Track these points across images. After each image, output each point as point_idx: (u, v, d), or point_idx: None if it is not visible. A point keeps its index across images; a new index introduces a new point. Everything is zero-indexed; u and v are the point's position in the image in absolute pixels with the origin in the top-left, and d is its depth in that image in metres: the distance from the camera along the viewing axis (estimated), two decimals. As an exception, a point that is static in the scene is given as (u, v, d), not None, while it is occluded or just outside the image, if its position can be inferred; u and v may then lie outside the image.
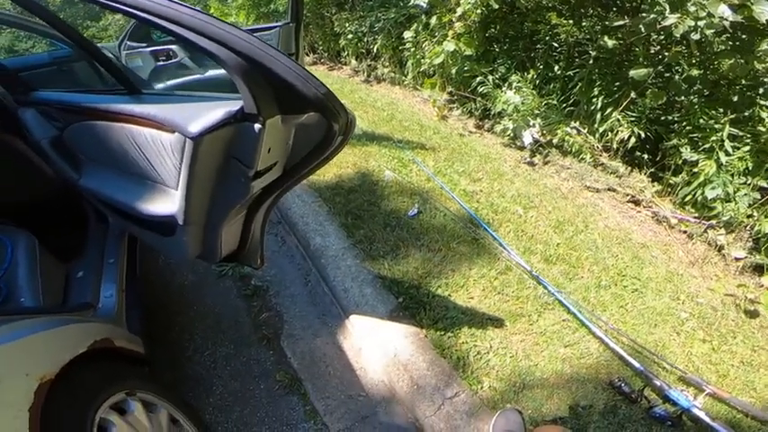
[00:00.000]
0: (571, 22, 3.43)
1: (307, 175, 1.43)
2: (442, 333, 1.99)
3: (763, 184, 2.56)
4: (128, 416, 1.20)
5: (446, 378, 1.86)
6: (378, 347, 2.01)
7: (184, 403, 1.58)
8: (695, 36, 2.46)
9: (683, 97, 2.95)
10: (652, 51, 3.20)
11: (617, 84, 3.16)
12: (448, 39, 3.85)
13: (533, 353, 1.94)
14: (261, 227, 1.68)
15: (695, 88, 2.86)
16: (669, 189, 2.97)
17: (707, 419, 1.68)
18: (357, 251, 2.34)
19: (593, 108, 3.25)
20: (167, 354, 1.95)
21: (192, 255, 1.53)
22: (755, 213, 2.58)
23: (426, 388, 1.83)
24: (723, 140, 2.60)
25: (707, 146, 2.67)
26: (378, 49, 5.18)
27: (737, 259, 2.58)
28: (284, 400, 1.85)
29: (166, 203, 1.35)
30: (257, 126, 1.11)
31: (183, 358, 1.97)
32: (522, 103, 3.43)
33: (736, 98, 2.66)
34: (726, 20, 2.33)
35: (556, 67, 3.55)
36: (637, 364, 1.86)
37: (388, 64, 5.24)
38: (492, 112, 3.64)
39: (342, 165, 2.97)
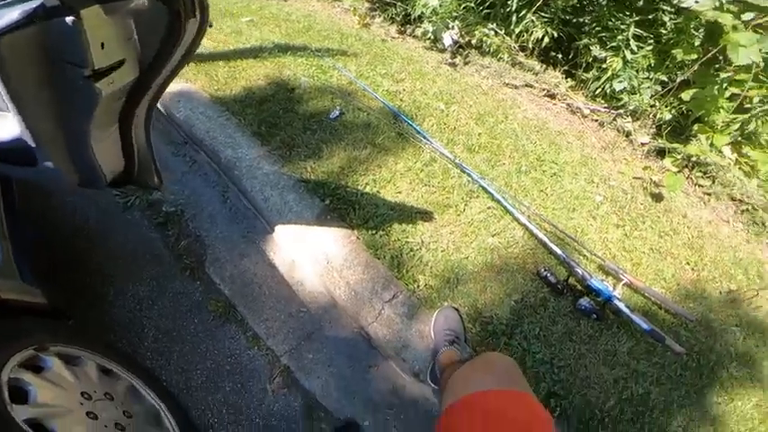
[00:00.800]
0: None
1: (174, 74, 1.28)
2: (374, 232, 1.94)
3: (663, 78, 2.80)
4: (45, 373, 1.10)
5: (383, 280, 1.83)
6: (310, 257, 1.93)
7: (116, 351, 1.45)
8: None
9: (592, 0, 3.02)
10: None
11: (530, -14, 3.12)
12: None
13: (463, 244, 1.97)
14: (145, 140, 1.50)
15: (603, -8, 2.94)
16: (581, 84, 3.13)
17: (627, 311, 1.80)
18: (274, 158, 2.16)
19: (508, 10, 3.23)
20: (86, 302, 1.75)
21: (71, 181, 1.38)
22: (657, 104, 2.85)
23: (364, 293, 1.80)
24: (629, 40, 2.77)
25: (614, 45, 2.83)
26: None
27: (643, 144, 2.81)
28: (222, 330, 1.75)
29: (7, 127, 1.21)
30: (70, 19, 0.97)
31: (105, 305, 1.76)
32: (441, 6, 3.31)
33: (641, 3, 2.80)
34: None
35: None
36: (559, 252, 1.96)
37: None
38: (412, 17, 3.49)
39: (251, 78, 2.67)
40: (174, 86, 2.17)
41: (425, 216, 2.03)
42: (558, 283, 1.87)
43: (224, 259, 1.94)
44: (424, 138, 2.36)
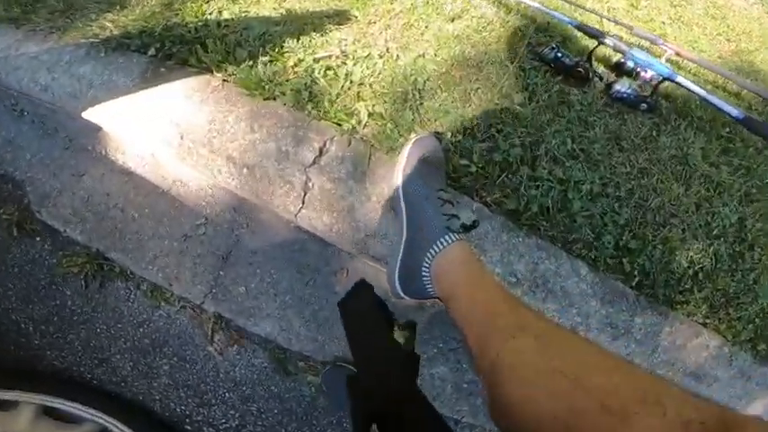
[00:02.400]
0: None
1: None
2: (250, 64, 1.05)
3: None
4: None
5: (292, 131, 0.99)
6: (161, 138, 1.03)
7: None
8: None
9: None
10: None
11: None
12: None
13: (411, 40, 1.14)
14: None
15: None
16: None
17: (699, 90, 1.09)
18: (42, 34, 1.12)
19: None
20: None
21: None
22: None
23: (269, 164, 0.97)
24: None
25: None
26: None
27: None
28: (107, 294, 1.13)
29: None
30: None
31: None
32: None
33: None
34: None
35: None
36: (565, 18, 1.18)
37: None
38: None
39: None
40: None
41: (336, 18, 1.15)
42: (576, 66, 1.12)
43: (54, 192, 1.16)
44: None
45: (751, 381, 1.11)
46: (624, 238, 0.99)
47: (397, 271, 0.78)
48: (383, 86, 1.02)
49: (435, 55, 1.10)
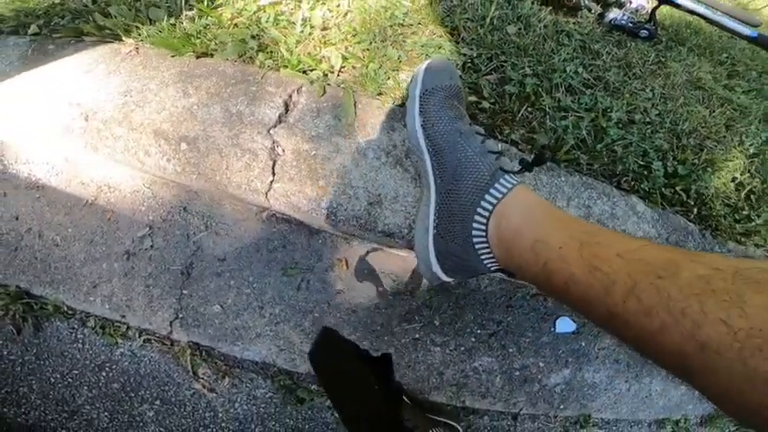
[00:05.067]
0: None
1: None
2: (172, 21, 0.80)
3: None
4: None
5: (242, 87, 0.73)
6: (63, 128, 0.74)
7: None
8: None
9: None
10: None
11: None
12: None
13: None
14: None
15: None
16: None
17: (704, 10, 1.00)
18: None
19: None
20: None
21: None
22: None
23: (220, 136, 0.70)
24: None
25: None
26: None
27: None
28: (48, 329, 0.84)
29: None
30: None
31: None
32: None
33: None
34: None
35: None
36: None
37: None
38: None
39: None
40: None
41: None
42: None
43: None
44: None
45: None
46: (670, 164, 0.82)
47: (431, 244, 0.53)
48: (354, 27, 0.80)
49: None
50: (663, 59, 1.01)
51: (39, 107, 0.73)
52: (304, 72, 0.74)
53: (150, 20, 0.82)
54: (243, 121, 0.68)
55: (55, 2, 0.90)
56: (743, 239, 0.86)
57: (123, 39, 0.80)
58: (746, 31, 0.97)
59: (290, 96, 0.71)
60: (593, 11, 1.04)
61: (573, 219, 0.47)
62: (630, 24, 1.01)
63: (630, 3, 1.04)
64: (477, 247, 0.48)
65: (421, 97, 0.59)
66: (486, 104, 0.75)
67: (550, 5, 0.99)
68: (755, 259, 0.84)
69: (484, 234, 0.47)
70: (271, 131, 0.68)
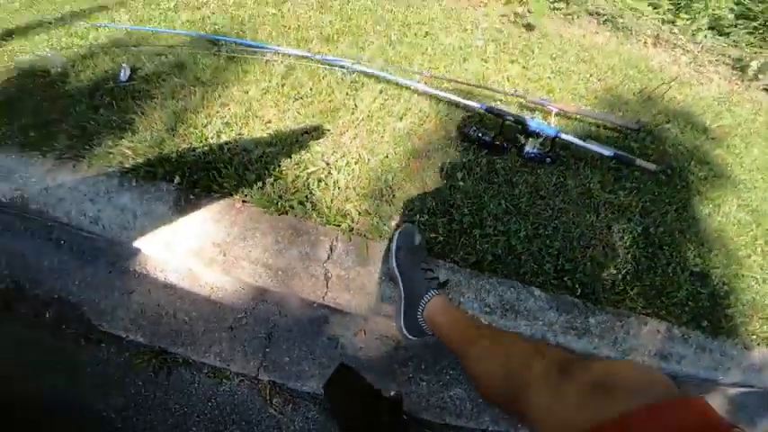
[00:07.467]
0: None
1: None
2: (260, 185, 1.36)
3: None
4: None
5: (305, 236, 1.32)
6: (200, 255, 1.32)
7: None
8: None
9: None
10: None
11: None
12: None
13: (375, 144, 1.51)
14: None
15: None
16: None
17: (578, 142, 1.54)
18: (71, 162, 1.40)
19: None
20: None
21: None
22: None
23: (293, 265, 1.29)
24: None
25: None
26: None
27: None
28: (175, 381, 1.34)
29: None
30: None
31: None
32: None
33: None
34: None
35: None
36: (477, 105, 1.61)
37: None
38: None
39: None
40: None
41: (315, 133, 1.50)
42: (494, 139, 1.53)
43: (109, 308, 1.38)
44: (265, 49, 1.76)
45: (713, 352, 1.39)
46: (560, 262, 1.37)
47: (402, 320, 1.15)
48: (363, 188, 1.38)
49: (395, 153, 1.47)
50: (563, 179, 1.55)
51: (184, 242, 1.31)
52: (337, 225, 1.32)
53: (247, 181, 1.39)
54: (309, 258, 1.28)
55: (180, 150, 1.43)
56: (618, 305, 1.34)
57: (234, 195, 1.36)
58: (606, 152, 1.52)
59: (332, 243, 1.30)
60: (519, 143, 1.59)
61: (461, 314, 1.05)
62: (539, 155, 1.56)
63: (541, 134, 1.58)
64: (420, 323, 1.09)
65: (396, 251, 1.19)
66: (440, 238, 1.33)
67: (485, 149, 1.54)
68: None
69: (422, 317, 1.08)
70: (324, 264, 1.28)
